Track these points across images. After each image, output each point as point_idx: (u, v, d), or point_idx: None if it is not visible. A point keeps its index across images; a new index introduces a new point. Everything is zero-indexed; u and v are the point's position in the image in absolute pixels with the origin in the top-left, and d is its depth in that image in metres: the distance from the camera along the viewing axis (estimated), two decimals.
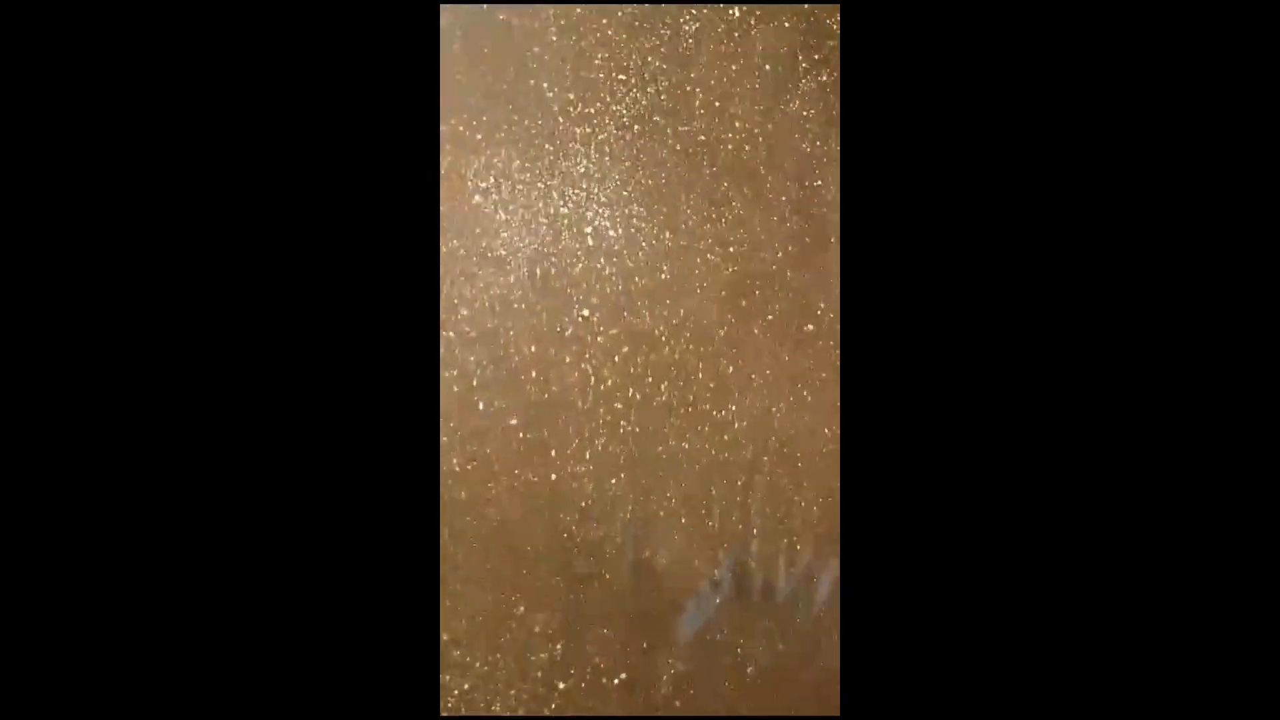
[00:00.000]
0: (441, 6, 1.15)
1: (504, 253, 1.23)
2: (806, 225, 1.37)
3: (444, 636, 1.19)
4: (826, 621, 1.29)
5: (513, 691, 1.21)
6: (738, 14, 1.30)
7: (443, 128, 1.13)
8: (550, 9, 1.22)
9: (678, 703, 1.28)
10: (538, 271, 1.24)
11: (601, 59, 1.24)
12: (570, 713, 1.26)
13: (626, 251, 1.28)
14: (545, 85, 1.22)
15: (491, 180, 1.21)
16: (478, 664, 1.20)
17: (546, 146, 1.24)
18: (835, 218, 1.36)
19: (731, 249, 1.33)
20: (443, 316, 1.16)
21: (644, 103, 1.28)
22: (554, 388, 1.24)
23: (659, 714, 1.28)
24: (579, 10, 1.23)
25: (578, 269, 1.25)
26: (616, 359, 1.27)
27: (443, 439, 1.18)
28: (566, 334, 1.24)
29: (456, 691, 1.18)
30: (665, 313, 1.29)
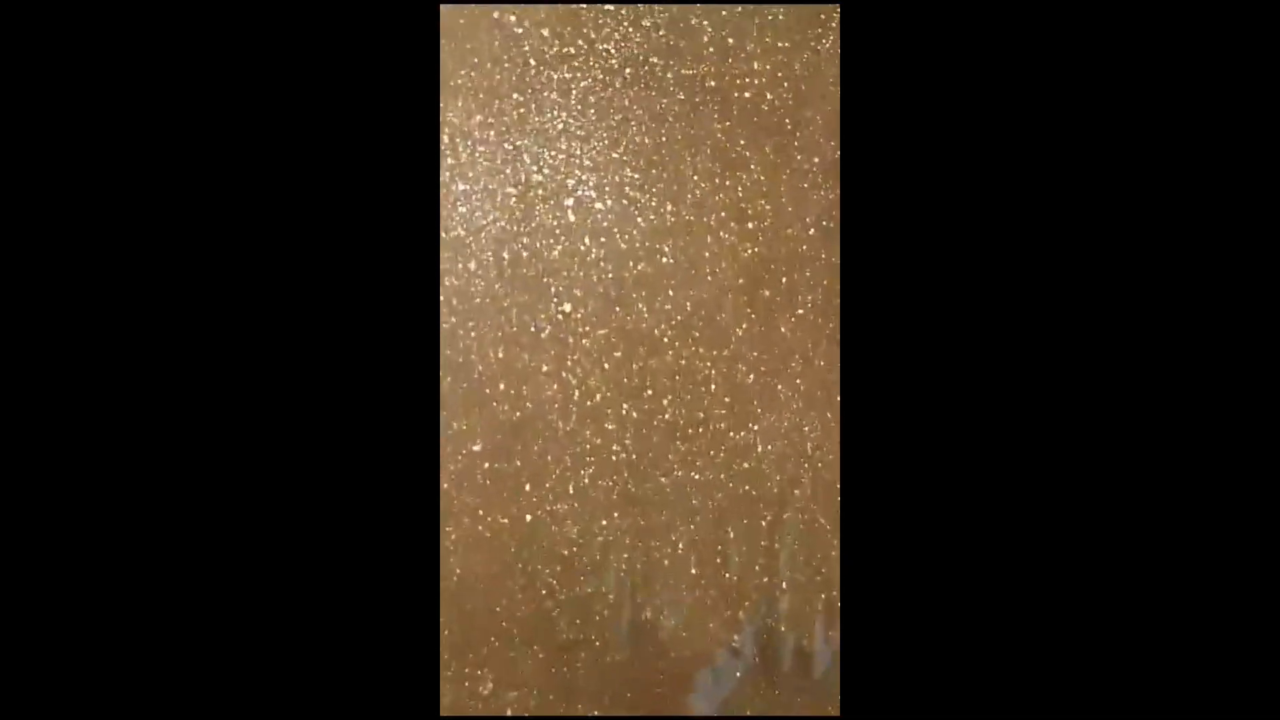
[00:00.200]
0: None
1: (462, 232, 1.16)
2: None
3: None
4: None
5: None
6: None
7: None
8: None
9: None
10: (505, 256, 1.16)
11: None
12: None
13: (617, 229, 1.19)
14: (513, 20, 1.16)
15: (446, 140, 1.14)
16: None
17: (515, 96, 1.16)
18: None
19: (750, 225, 1.24)
20: None
21: (637, 40, 1.20)
22: (527, 404, 1.17)
23: None
24: None
25: (556, 252, 1.18)
26: (606, 366, 1.19)
27: None
28: (543, 335, 1.17)
29: None
30: (668, 307, 1.21)
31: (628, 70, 1.19)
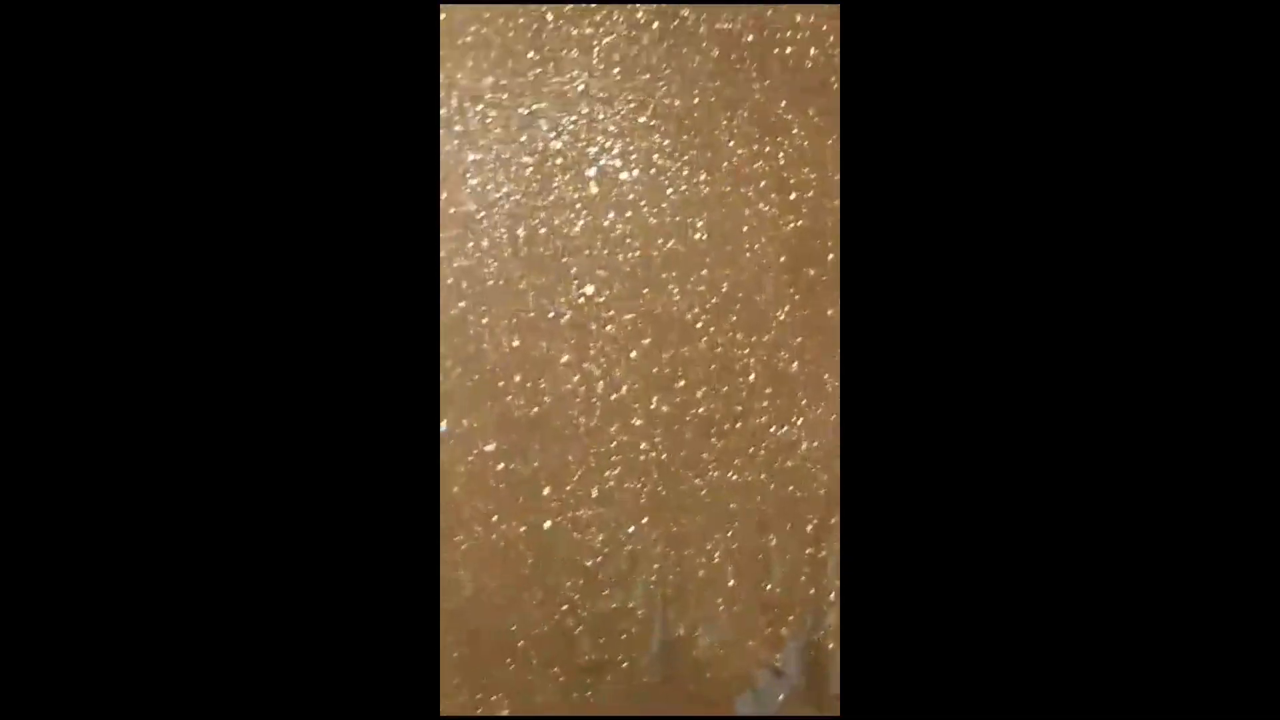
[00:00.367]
0: None
1: (472, 207, 1.14)
2: None
3: None
4: None
5: None
6: None
7: None
8: None
9: None
10: (520, 233, 1.14)
11: None
12: None
13: (645, 202, 1.17)
14: None
15: (454, 103, 1.12)
16: None
17: (530, 55, 1.14)
18: None
19: (792, 196, 1.21)
20: None
21: None
22: (545, 399, 1.14)
23: None
24: None
25: (577, 228, 1.15)
26: (633, 355, 1.16)
27: None
28: (562, 321, 1.14)
29: None
30: (702, 289, 1.18)
31: (656, 24, 1.17)
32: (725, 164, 1.17)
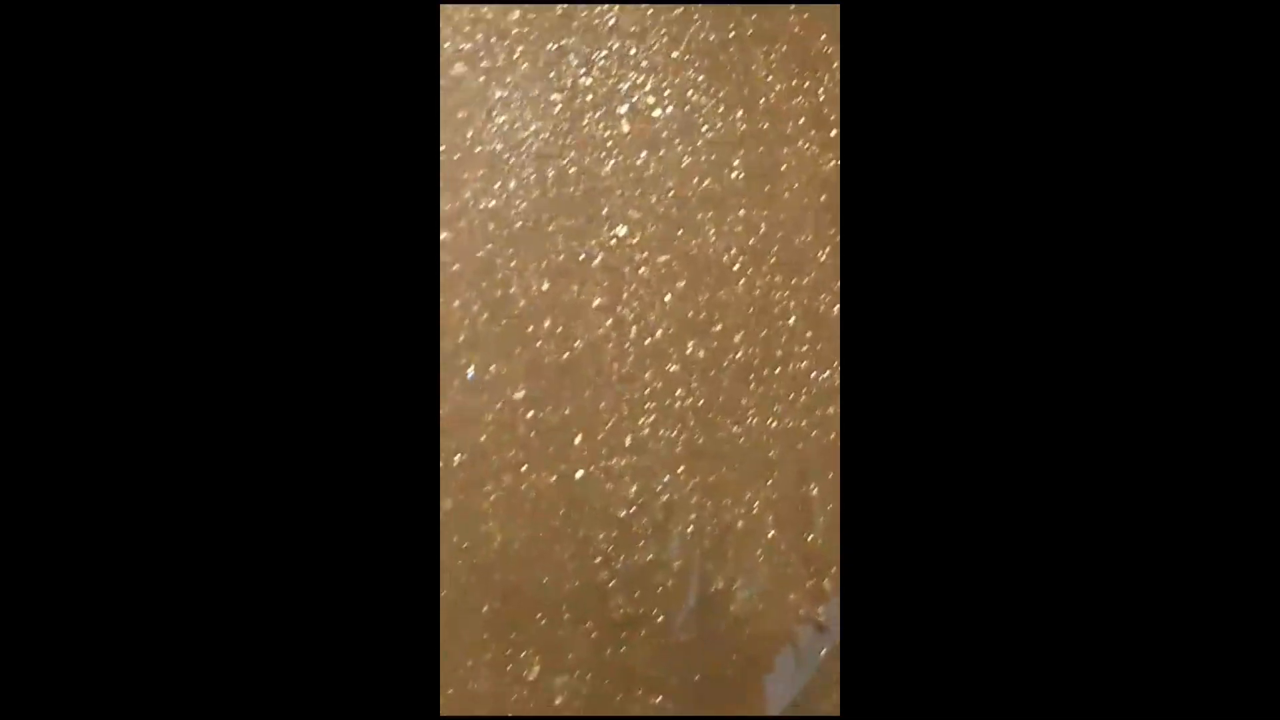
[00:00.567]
0: None
1: (500, 146, 1.12)
2: None
3: None
4: None
5: None
6: None
7: None
8: None
9: None
10: (550, 173, 1.12)
11: None
12: None
13: (680, 140, 1.15)
14: None
15: (479, 38, 1.11)
16: None
17: None
18: None
19: (833, 133, 1.20)
20: None
21: None
22: (577, 344, 1.13)
23: None
24: None
25: (608, 168, 1.14)
26: (668, 299, 1.15)
27: None
28: (594, 264, 1.13)
29: None
30: (739, 230, 1.16)
31: None
32: (762, 100, 1.16)
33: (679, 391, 1.15)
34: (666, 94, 1.15)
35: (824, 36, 1.18)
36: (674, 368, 1.14)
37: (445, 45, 1.11)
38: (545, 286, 1.11)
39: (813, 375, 1.18)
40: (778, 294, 1.17)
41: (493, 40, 1.10)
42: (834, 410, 1.20)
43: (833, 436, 1.19)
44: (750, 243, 1.16)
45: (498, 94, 1.11)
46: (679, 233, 1.14)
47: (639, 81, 1.14)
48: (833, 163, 1.19)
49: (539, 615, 1.11)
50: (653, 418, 1.14)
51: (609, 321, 1.12)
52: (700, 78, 1.15)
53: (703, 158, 1.15)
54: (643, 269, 1.14)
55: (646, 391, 1.14)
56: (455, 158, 1.10)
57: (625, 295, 1.13)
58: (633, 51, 1.14)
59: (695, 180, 1.14)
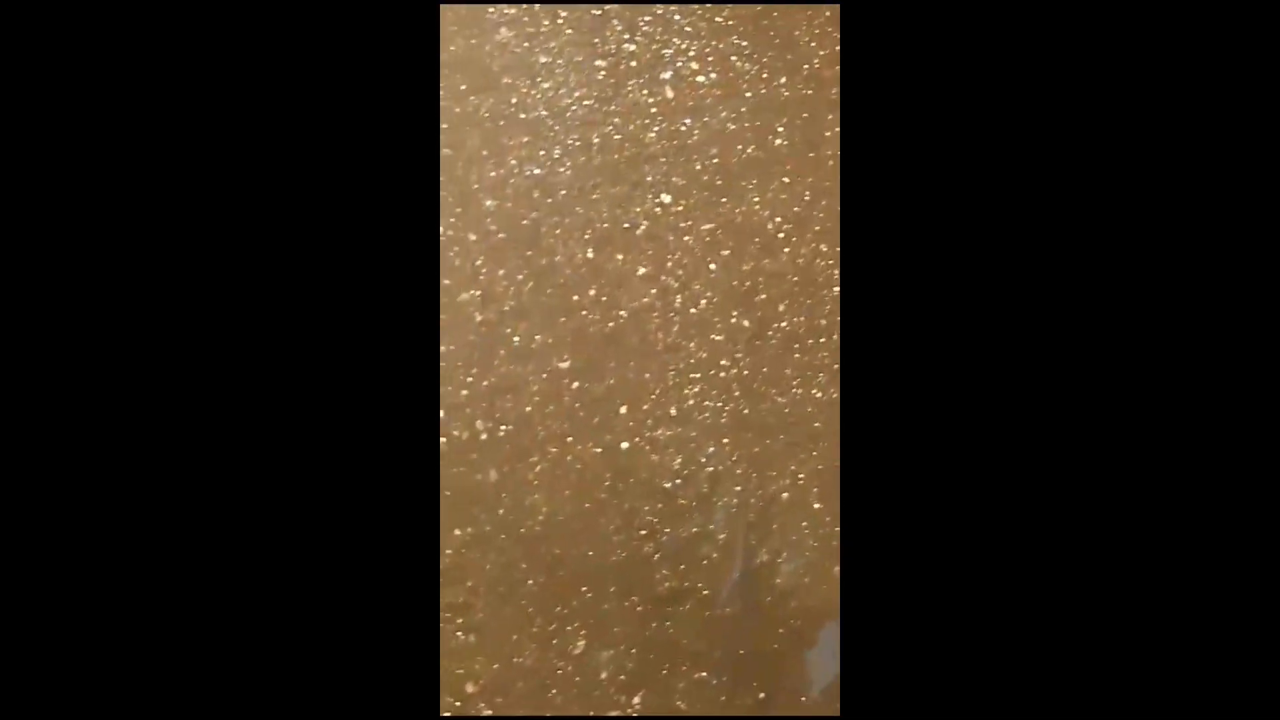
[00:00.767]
0: None
1: (544, 113, 1.12)
2: None
3: (467, 687, 1.09)
4: None
5: None
6: None
7: None
8: None
9: None
10: (595, 140, 1.12)
11: None
12: None
13: (724, 107, 1.15)
14: None
15: (522, 6, 1.11)
16: None
17: None
18: None
19: None
20: (459, 209, 1.09)
21: None
22: (621, 313, 1.12)
23: None
24: None
25: (652, 134, 1.13)
26: (713, 267, 1.14)
27: (459, 392, 1.08)
28: (638, 232, 1.12)
29: None
30: (784, 196, 1.15)
31: None
32: (806, 66, 1.15)
33: (724, 361, 1.14)
34: (710, 59, 1.14)
35: None
36: (719, 337, 1.13)
37: (487, 13, 1.11)
38: (589, 254, 1.11)
39: None
40: (822, 263, 1.16)
41: (539, 9, 1.09)
42: None
43: None
44: (795, 210, 1.15)
45: (541, 59, 1.10)
46: (723, 200, 1.13)
47: (683, 47, 1.13)
48: None
49: (583, 588, 1.11)
50: (697, 388, 1.14)
51: (653, 290, 1.12)
52: (743, 43, 1.14)
53: (746, 124, 1.14)
54: (687, 237, 1.13)
55: (691, 361, 1.13)
56: (500, 124, 1.09)
57: (670, 264, 1.12)
58: (676, 17, 1.13)
59: (739, 147, 1.14)
